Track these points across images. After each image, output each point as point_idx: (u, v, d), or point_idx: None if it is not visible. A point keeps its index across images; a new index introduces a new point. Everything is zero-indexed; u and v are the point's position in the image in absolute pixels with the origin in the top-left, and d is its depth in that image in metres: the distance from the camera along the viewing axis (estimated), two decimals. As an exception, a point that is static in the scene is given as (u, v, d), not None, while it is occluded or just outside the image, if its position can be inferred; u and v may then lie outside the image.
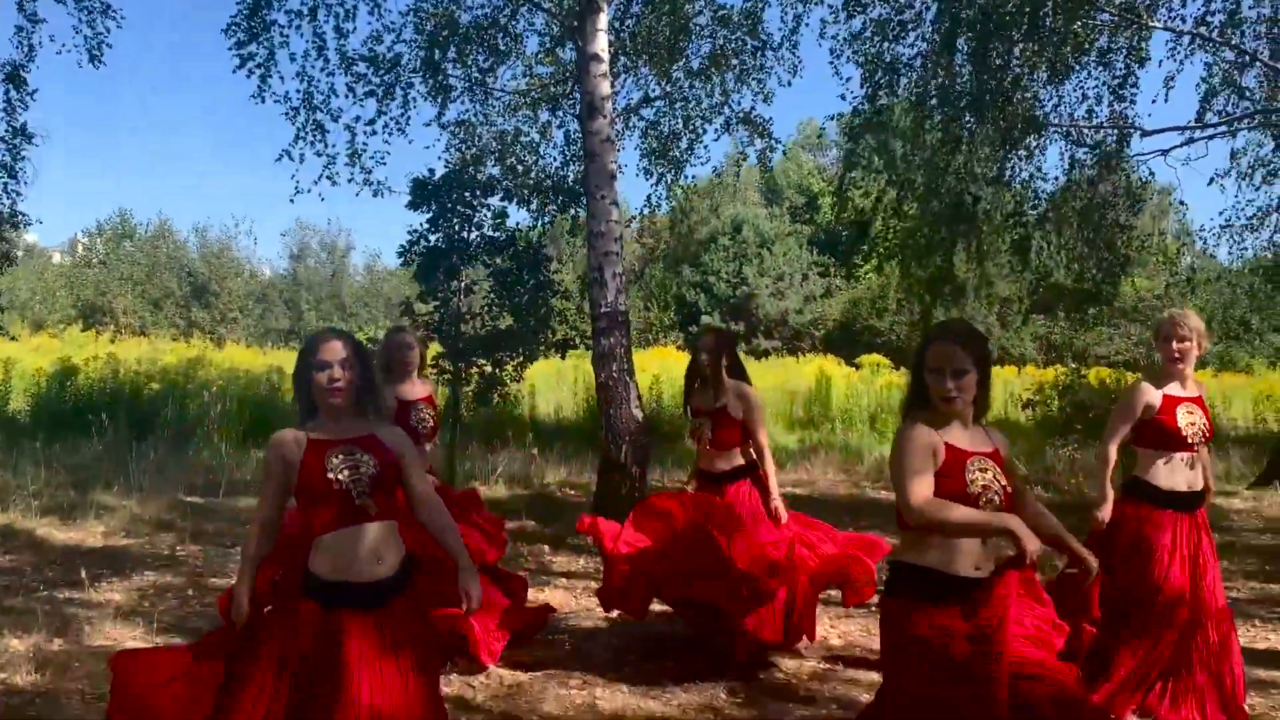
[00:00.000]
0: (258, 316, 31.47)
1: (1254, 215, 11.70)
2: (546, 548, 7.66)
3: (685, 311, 38.30)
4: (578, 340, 9.99)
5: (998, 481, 2.85)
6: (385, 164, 11.05)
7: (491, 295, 9.83)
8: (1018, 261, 12.30)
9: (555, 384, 17.65)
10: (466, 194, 9.78)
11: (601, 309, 8.15)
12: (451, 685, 4.57)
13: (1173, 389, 4.23)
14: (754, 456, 5.12)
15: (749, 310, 37.21)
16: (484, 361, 9.74)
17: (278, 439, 3.11)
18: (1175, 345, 4.21)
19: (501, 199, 10.09)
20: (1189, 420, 4.18)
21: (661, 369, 18.20)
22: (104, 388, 14.51)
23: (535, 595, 6.33)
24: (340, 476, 2.97)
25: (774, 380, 20.61)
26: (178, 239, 33.18)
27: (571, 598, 6.34)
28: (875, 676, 4.82)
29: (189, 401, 13.94)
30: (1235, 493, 9.61)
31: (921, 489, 2.79)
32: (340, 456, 3.00)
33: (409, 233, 9.86)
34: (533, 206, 10.44)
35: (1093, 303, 13.64)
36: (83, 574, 6.14)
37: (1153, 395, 4.22)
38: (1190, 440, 4.18)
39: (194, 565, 6.81)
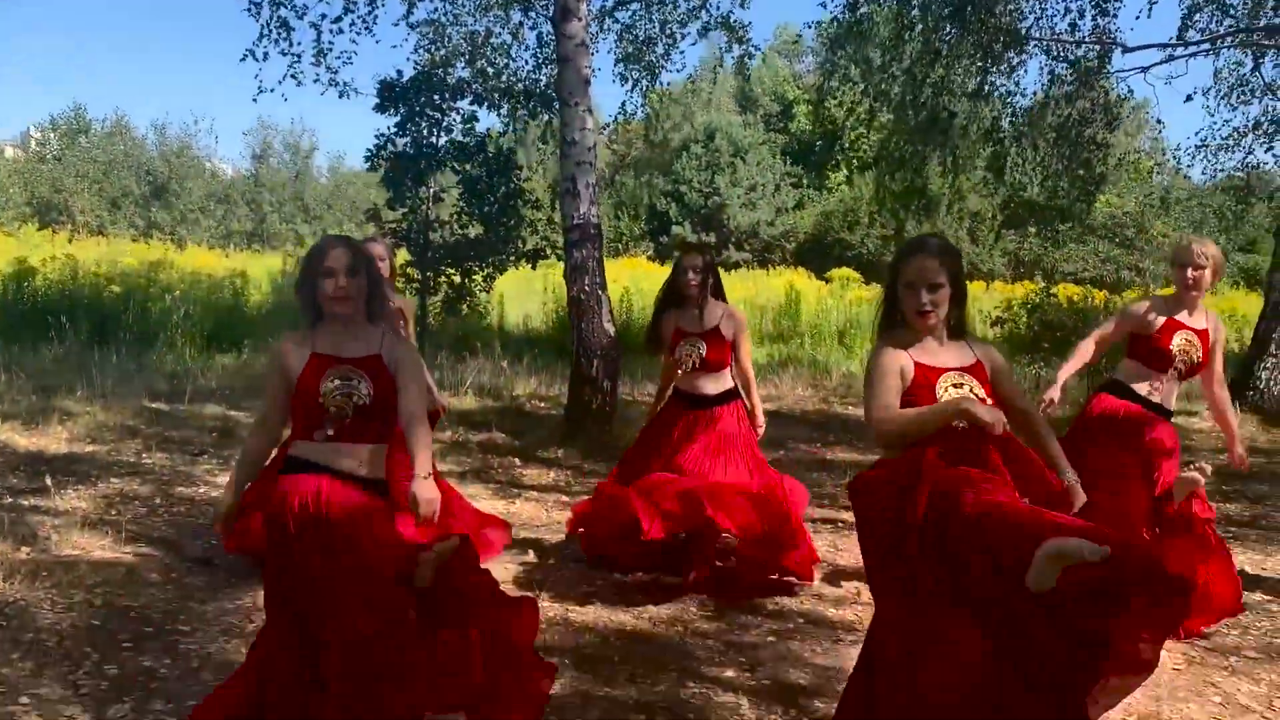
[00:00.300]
0: (219, 218, 30.81)
1: (1229, 135, 11.67)
2: (517, 460, 7.67)
3: (656, 221, 38.00)
4: (548, 250, 9.87)
5: (975, 395, 2.84)
6: (351, 64, 10.72)
7: (461, 203, 9.66)
8: (992, 177, 12.25)
9: (524, 294, 17.51)
10: (435, 97, 9.53)
11: (574, 220, 8.02)
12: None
13: (1181, 315, 4.27)
14: (737, 379, 5.10)
15: (720, 221, 36.97)
16: (453, 271, 9.63)
17: (281, 347, 3.04)
18: (1190, 272, 4.23)
19: (471, 103, 9.86)
20: (1183, 348, 4.21)
21: (632, 281, 18.06)
22: (63, 290, 14.22)
23: (505, 508, 6.36)
24: (331, 402, 2.92)
25: (743, 294, 20.55)
26: (135, 136, 32.25)
27: (542, 510, 6.37)
28: (841, 591, 4.92)
29: (151, 305, 13.72)
30: (1196, 413, 9.75)
31: (881, 411, 2.82)
32: (337, 381, 2.93)
33: (376, 137, 9.67)
34: (503, 112, 10.18)
35: (1065, 220, 13.68)
36: (47, 481, 6.07)
37: (1157, 315, 4.25)
38: (1178, 368, 4.22)
39: (160, 473, 6.75)
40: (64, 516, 5.56)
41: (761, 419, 5.13)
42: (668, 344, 5.12)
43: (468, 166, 9.56)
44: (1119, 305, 14.84)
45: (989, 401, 2.83)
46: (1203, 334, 4.30)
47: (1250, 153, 11.51)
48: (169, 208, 29.39)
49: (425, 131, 9.29)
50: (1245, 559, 5.58)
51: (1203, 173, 12.17)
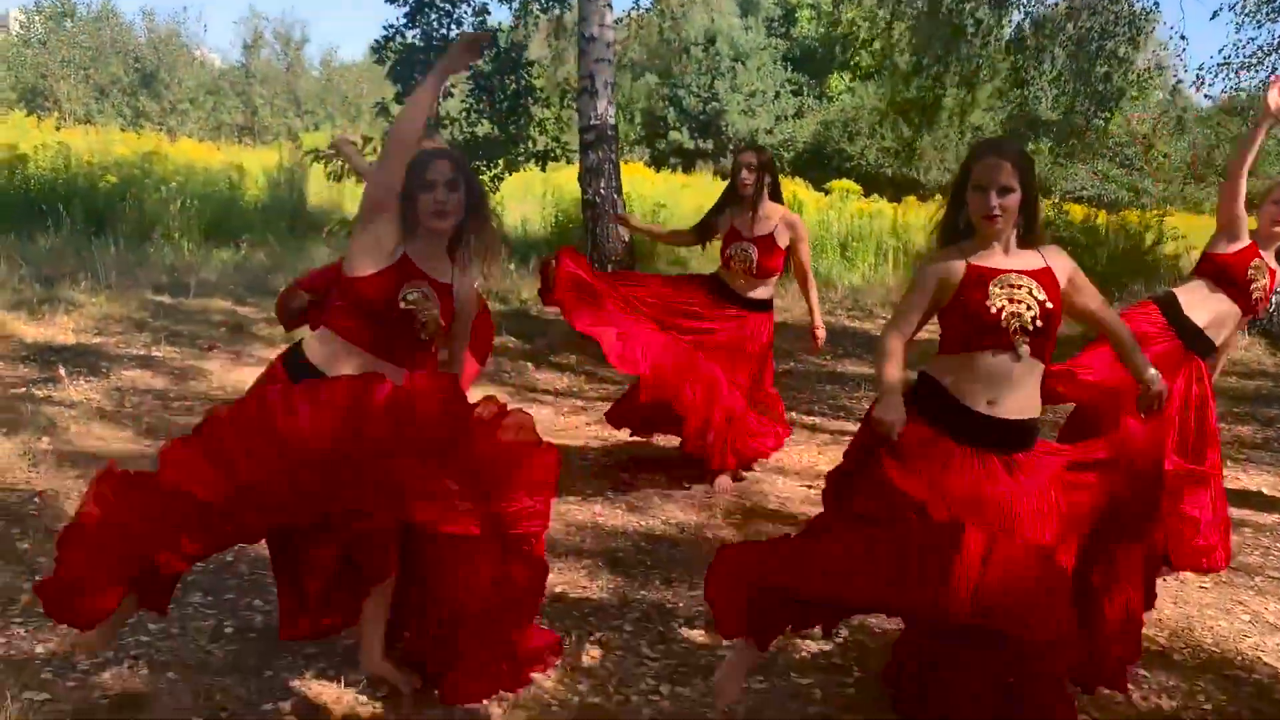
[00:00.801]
0: (209, 109, 30.12)
1: (1253, 54, 11.44)
2: (530, 365, 7.62)
3: (653, 126, 37.39)
4: (559, 152, 9.66)
5: (1034, 298, 2.71)
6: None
7: (470, 99, 9.41)
8: (1011, 89, 12.00)
9: (522, 197, 17.23)
10: (445, -12, 9.21)
11: (591, 120, 7.85)
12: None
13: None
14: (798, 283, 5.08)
15: (718, 128, 36.41)
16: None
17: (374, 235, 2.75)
18: None
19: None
20: (1254, 280, 4.09)
21: (631, 186, 17.77)
22: (56, 179, 13.92)
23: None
24: (406, 306, 2.76)
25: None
26: (122, 21, 31.27)
27: (559, 415, 6.34)
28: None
29: (147, 197, 13.44)
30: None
31: (897, 325, 2.82)
32: (415, 294, 2.77)
33: (384, 28, 9.35)
34: (515, 5, 9.87)
35: (1076, 137, 13.48)
36: (61, 372, 6.00)
37: (1241, 243, 4.13)
38: (1251, 295, 4.11)
39: (172, 367, 6.69)
40: (79, 408, 5.51)
41: (820, 323, 5.10)
42: (718, 236, 5.04)
43: (478, 61, 9.26)
44: (1115, 225, 14.75)
45: (1049, 305, 2.73)
46: (1273, 272, 4.20)
47: (1273, 71, 11.27)
48: (157, 97, 28.72)
49: (435, 24, 8.98)
50: (1261, 481, 5.62)
51: (1223, 90, 11.95)
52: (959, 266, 2.76)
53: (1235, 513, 4.97)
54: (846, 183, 28.82)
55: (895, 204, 27.61)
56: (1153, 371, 2.95)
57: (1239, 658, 3.47)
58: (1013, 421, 2.73)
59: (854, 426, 6.23)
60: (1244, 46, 11.56)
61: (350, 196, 17.59)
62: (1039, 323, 2.70)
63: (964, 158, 2.84)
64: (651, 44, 38.10)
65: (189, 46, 31.64)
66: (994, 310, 2.69)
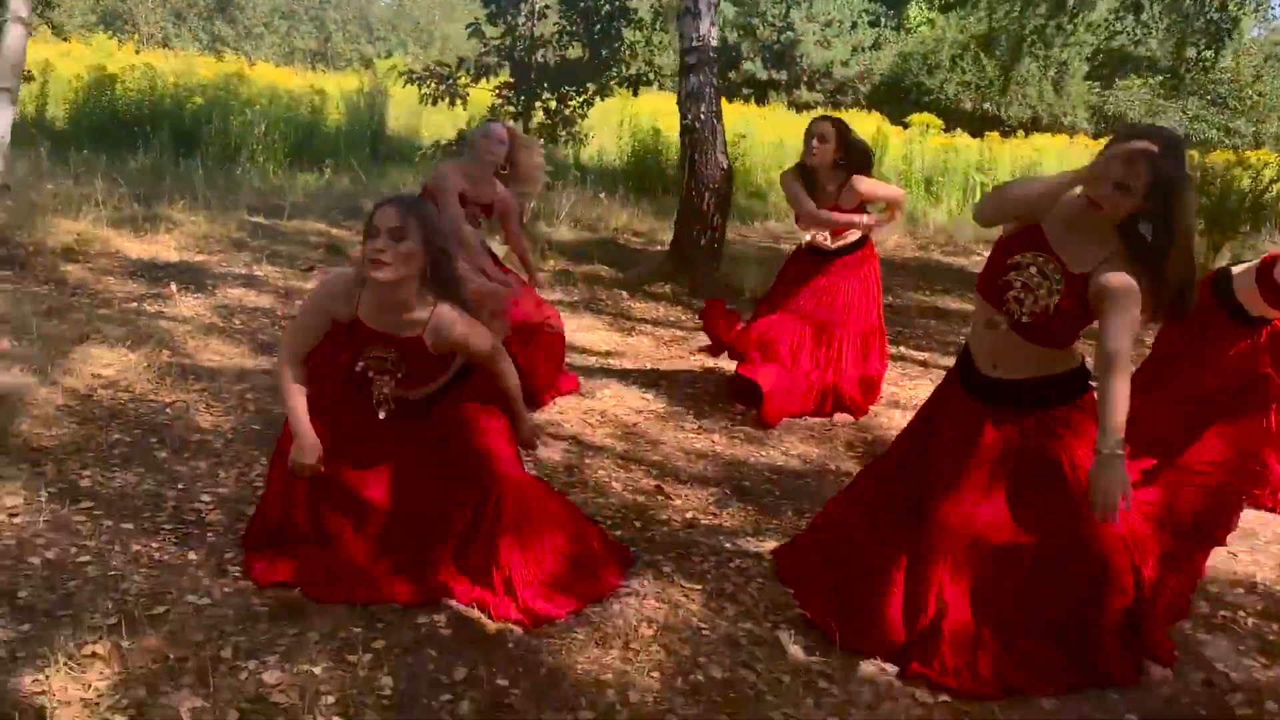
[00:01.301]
0: (283, 34, 30.13)
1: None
2: (623, 294, 7.53)
3: (725, 55, 36.64)
4: (651, 76, 9.44)
5: (1046, 287, 2.62)
6: None
7: (562, 21, 9.20)
8: (1118, 19, 11.46)
9: (599, 125, 17.03)
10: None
11: (692, 42, 7.61)
12: (569, 423, 4.55)
13: None
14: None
15: (792, 58, 35.55)
16: (549, 96, 9.26)
17: (328, 290, 2.85)
18: None
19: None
20: None
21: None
22: (142, 100, 14.03)
23: (621, 340, 6.27)
24: (361, 376, 2.85)
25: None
26: (197, -56, 31.30)
27: (660, 345, 6.26)
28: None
29: (232, 120, 13.49)
30: None
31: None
32: (373, 358, 2.82)
33: (479, -54, 9.14)
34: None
35: (1188, 73, 12.90)
36: (173, 288, 6.05)
37: None
38: None
39: (274, 286, 6.71)
40: (192, 323, 5.54)
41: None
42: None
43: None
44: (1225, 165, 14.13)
45: (1057, 306, 2.62)
46: None
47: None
48: (233, 22, 28.76)
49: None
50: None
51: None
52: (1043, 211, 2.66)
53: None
54: (927, 116, 28.01)
55: (977, 139, 26.86)
56: (1110, 445, 2.49)
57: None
58: (1006, 381, 2.75)
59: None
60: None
61: (427, 123, 17.55)
62: (1025, 319, 2.66)
63: (1120, 129, 2.67)
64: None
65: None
66: (999, 284, 2.70)
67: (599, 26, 9.07)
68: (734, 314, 5.26)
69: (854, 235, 5.01)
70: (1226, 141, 33.96)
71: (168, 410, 4.13)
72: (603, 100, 9.35)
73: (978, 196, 16.02)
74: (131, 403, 4.17)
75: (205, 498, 3.40)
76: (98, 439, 3.75)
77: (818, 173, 4.85)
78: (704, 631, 2.88)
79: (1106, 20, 12.37)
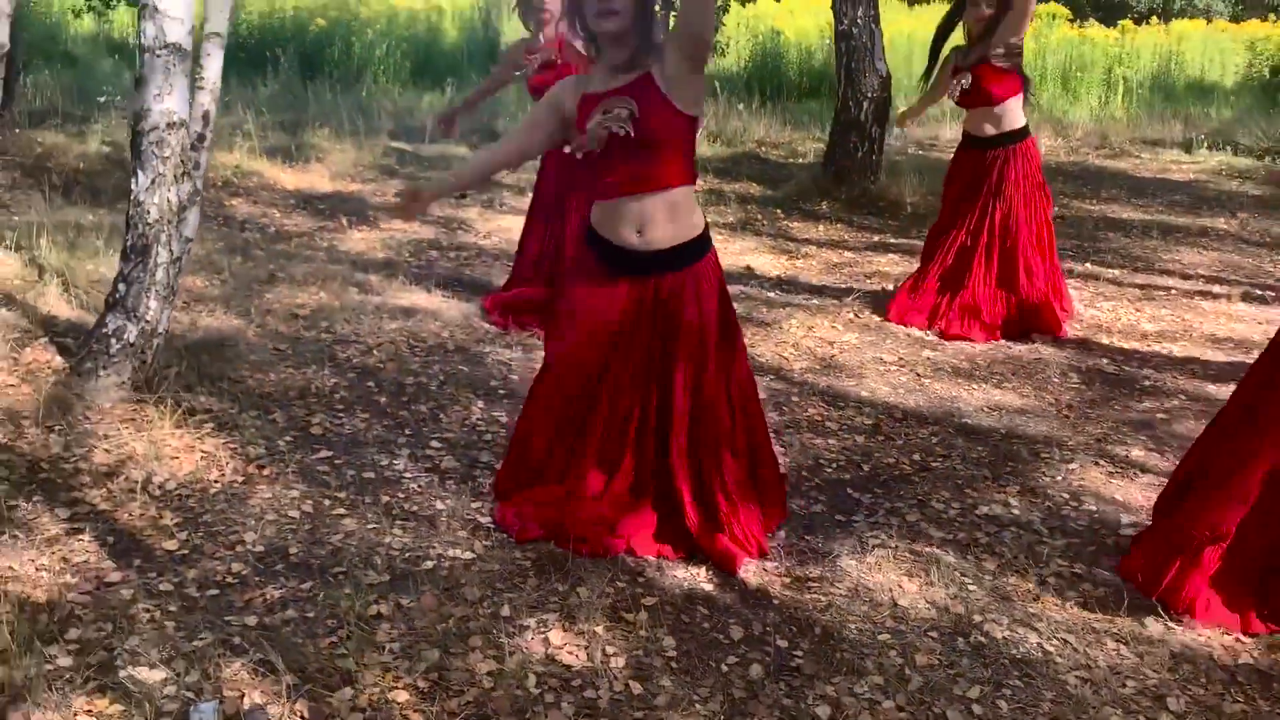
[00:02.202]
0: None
1: None
2: (779, 212, 7.30)
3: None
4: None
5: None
6: None
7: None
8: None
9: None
10: None
11: (847, -57, 7.22)
12: (764, 356, 4.43)
13: None
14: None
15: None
16: None
17: (558, 87, 2.73)
18: None
19: None
20: None
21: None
22: (265, 24, 14.08)
23: (789, 264, 6.08)
24: (592, 129, 2.60)
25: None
26: None
27: (829, 269, 6.04)
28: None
29: (354, 41, 13.47)
30: None
31: None
32: (608, 114, 2.58)
33: None
34: None
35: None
36: (343, 220, 6.07)
37: None
38: None
39: (434, 215, 6.67)
40: (369, 259, 5.55)
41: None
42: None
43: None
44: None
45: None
46: None
47: None
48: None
49: None
50: None
51: None
52: None
53: None
54: (1053, 5, 26.57)
55: (1110, 28, 25.33)
56: None
57: None
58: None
59: (1162, 280, 5.77)
60: None
61: (541, 35, 17.24)
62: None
63: None
64: None
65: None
66: None
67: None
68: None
69: (1017, 122, 4.71)
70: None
71: (375, 352, 4.13)
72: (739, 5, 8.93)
73: (1120, 94, 15.17)
74: (337, 344, 4.18)
75: (435, 443, 3.39)
76: (316, 383, 3.77)
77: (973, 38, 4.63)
78: (970, 587, 2.76)
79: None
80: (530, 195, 4.93)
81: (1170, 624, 2.61)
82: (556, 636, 2.42)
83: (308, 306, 4.61)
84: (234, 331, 4.17)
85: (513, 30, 16.59)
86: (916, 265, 5.18)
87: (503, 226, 6.53)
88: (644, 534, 2.83)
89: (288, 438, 3.33)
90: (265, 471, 3.09)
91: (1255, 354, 4.61)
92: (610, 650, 2.38)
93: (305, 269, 5.16)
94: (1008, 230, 4.71)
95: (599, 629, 2.46)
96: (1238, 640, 2.56)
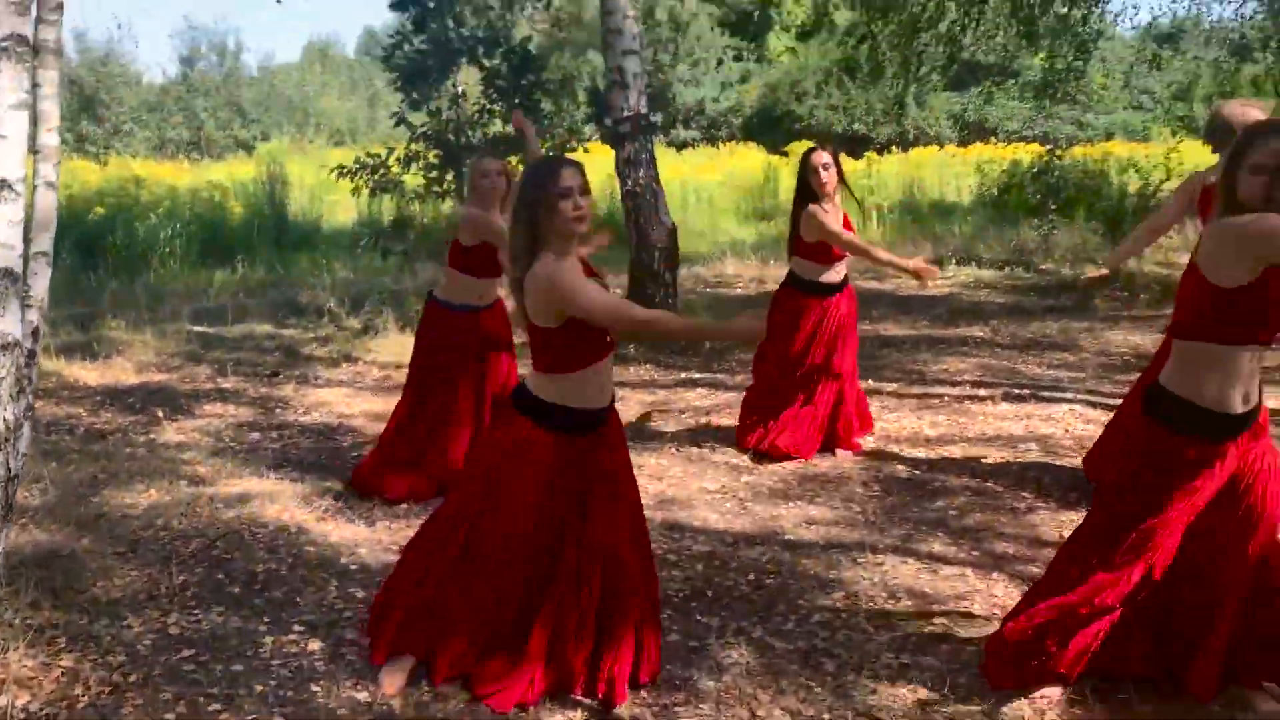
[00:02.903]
0: (154, 127, 29.49)
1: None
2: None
3: (599, 103, 37.25)
4: (576, 144, 9.72)
5: None
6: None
7: (482, 100, 9.42)
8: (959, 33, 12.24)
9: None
10: (445, -10, 9.19)
11: (624, 112, 7.92)
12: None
13: None
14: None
15: (666, 99, 36.39)
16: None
17: (570, 268, 2.85)
18: None
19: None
20: None
21: (591, 164, 17.66)
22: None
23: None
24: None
25: (717, 175, 20.48)
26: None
27: (645, 407, 6.44)
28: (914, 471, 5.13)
29: (138, 225, 13.25)
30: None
31: None
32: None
33: (390, 36, 9.32)
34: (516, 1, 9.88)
35: (1050, 83, 13.81)
36: (157, 412, 6.00)
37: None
38: None
39: (249, 397, 6.69)
40: (191, 448, 5.52)
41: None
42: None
43: (487, 61, 9.29)
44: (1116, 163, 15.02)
45: None
46: None
47: (1243, 3, 11.65)
48: (100, 120, 28.04)
49: (451, 23, 8.98)
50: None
51: (1195, 23, 12.31)
52: None
53: None
54: (806, 143, 29.04)
55: (858, 160, 27.85)
56: None
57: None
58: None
59: (935, 389, 6.47)
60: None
61: (329, 206, 17.47)
62: None
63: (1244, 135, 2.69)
64: (587, 20, 37.95)
65: (126, 65, 30.89)
66: None
67: (519, 101, 9.29)
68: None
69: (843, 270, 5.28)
70: (1080, 135, 36.01)
71: (218, 544, 4.15)
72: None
73: (874, 217, 16.71)
74: (177, 540, 4.18)
75: (297, 627, 3.46)
76: (164, 583, 3.76)
77: (826, 202, 5.05)
78: (815, 689, 3.08)
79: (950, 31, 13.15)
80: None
81: (995, 700, 3.00)
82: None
83: (139, 506, 4.57)
84: (68, 541, 4.10)
85: (296, 203, 16.74)
86: (724, 396, 5.63)
87: (322, 401, 6.61)
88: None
89: (146, 641, 3.32)
90: (132, 678, 3.08)
91: (1022, 448, 5.30)
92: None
93: (129, 467, 5.10)
94: (831, 360, 5.25)
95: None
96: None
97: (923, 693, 3.04)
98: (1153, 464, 2.79)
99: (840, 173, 5.11)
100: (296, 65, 35.78)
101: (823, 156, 5.03)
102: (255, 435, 5.87)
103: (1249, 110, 4.27)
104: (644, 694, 3.04)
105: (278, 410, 6.43)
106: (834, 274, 5.22)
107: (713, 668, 3.20)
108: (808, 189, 5.06)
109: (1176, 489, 2.75)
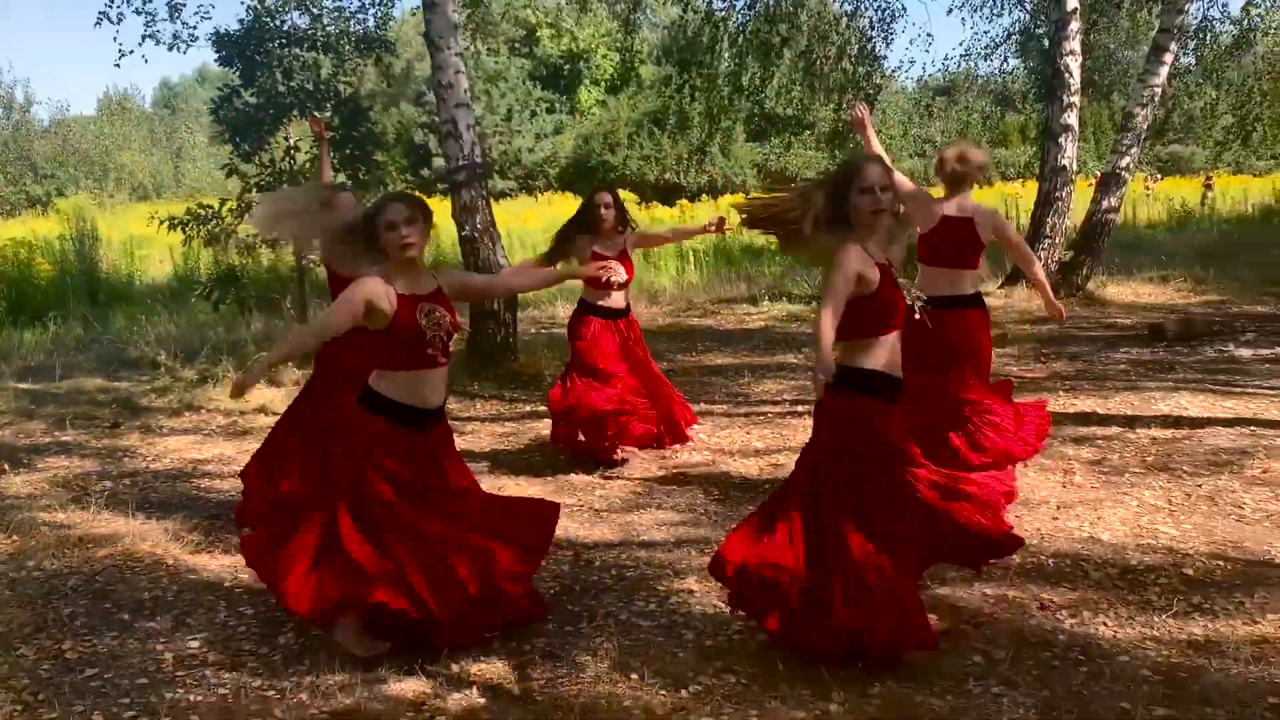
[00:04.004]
0: (-64, 185, 27.67)
1: (987, 46, 13.30)
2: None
3: (414, 154, 37.29)
4: (411, 191, 9.98)
5: None
6: (210, 19, 10.15)
7: (314, 151, 9.59)
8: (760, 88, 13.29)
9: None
10: (272, 45, 9.39)
11: (459, 162, 8.32)
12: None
13: None
14: None
15: (481, 150, 36.79)
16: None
17: (371, 288, 3.46)
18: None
19: (309, 49, 9.76)
20: None
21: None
22: None
23: (460, 442, 6.76)
24: (426, 327, 3.49)
25: (539, 224, 21.09)
26: None
27: (498, 438, 6.81)
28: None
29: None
30: (989, 293, 11.33)
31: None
32: (425, 313, 3.50)
33: (219, 89, 9.43)
34: (345, 55, 10.14)
35: (840, 134, 15.11)
36: (4, 467, 5.93)
37: None
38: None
39: (92, 449, 6.66)
40: (43, 498, 5.52)
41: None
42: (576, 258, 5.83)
43: (320, 114, 9.51)
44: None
45: None
46: None
47: (1005, 60, 13.19)
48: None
49: (280, 78, 9.16)
50: (1093, 403, 6.90)
51: (965, 77, 13.82)
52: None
53: (1084, 430, 6.20)
54: (624, 192, 30.07)
55: (671, 207, 29.03)
56: None
57: (1141, 530, 4.54)
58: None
59: (759, 408, 7.13)
60: (979, 39, 13.43)
61: (141, 261, 16.99)
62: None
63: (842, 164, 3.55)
64: (396, 74, 38.01)
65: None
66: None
67: (351, 150, 9.54)
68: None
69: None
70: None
71: (97, 579, 4.26)
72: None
73: (692, 261, 17.61)
74: (54, 579, 4.27)
75: (194, 643, 3.67)
76: (50, 615, 3.88)
77: (610, 231, 5.82)
78: (679, 654, 3.54)
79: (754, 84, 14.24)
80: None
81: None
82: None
83: (4, 552, 4.61)
84: (-60, 585, 4.13)
85: (109, 261, 16.24)
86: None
87: (171, 448, 6.66)
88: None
89: (46, 666, 3.47)
90: (40, 697, 3.23)
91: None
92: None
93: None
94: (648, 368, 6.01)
95: (408, 748, 2.94)
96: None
97: (769, 654, 3.55)
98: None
99: (623, 215, 5.81)
100: (93, 119, 34.33)
101: (606, 197, 5.78)
102: (108, 483, 5.90)
103: (966, 151, 5.13)
104: (529, 670, 3.43)
105: (125, 459, 6.45)
106: (621, 299, 6.00)
107: (588, 645, 3.62)
108: (587, 220, 5.79)
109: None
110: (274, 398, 7.89)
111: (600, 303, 5.94)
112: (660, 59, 38.70)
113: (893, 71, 14.16)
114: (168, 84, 56.96)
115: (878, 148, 5.20)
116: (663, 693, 3.26)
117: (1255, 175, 35.47)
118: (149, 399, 8.03)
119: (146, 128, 38.32)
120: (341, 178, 9.53)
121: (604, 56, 43.26)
